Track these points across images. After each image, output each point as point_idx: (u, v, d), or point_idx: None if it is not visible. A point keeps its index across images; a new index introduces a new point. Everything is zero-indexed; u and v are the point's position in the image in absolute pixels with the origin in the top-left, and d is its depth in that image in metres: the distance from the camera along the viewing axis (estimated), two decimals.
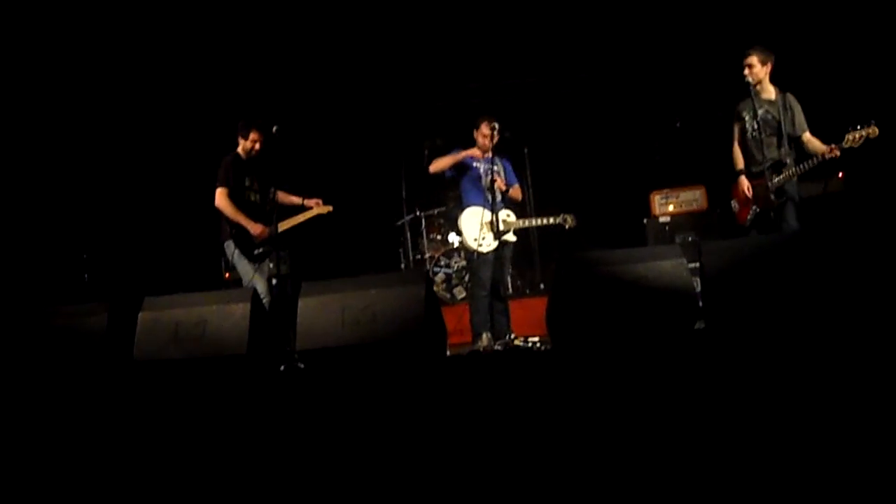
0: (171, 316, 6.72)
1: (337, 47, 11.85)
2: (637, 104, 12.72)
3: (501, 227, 8.78)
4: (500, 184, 8.87)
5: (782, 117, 8.20)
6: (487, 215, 8.81)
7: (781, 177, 8.08)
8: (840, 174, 10.14)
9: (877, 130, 7.57)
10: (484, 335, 8.50)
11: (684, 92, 12.10)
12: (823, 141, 8.04)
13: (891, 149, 8.65)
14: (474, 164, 9.00)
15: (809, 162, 7.98)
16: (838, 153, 7.75)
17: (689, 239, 10.54)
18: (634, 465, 4.56)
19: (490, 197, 8.81)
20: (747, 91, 8.32)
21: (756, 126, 8.25)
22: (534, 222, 9.37)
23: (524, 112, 11.76)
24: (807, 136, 8.17)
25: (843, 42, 10.86)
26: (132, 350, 6.64)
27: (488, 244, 8.77)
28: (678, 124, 12.02)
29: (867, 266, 6.36)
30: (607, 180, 12.41)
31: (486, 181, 8.88)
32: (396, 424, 5.17)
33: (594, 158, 12.69)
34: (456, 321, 9.26)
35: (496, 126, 8.82)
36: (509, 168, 9.33)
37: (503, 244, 8.87)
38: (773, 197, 8.13)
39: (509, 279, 10.45)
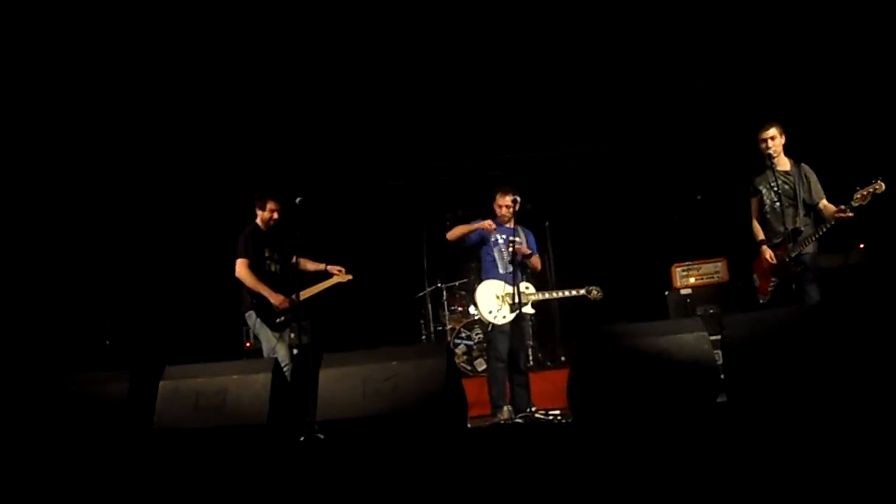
0: (192, 385, 6.75)
1: (362, 117, 11.93)
2: (658, 177, 12.76)
3: (520, 300, 8.68)
4: (522, 249, 8.84)
5: (799, 187, 8.25)
6: (505, 287, 8.79)
7: (798, 245, 8.10)
8: (861, 245, 10.12)
9: (883, 186, 7.60)
10: (504, 408, 8.42)
11: (705, 165, 12.13)
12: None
13: None
14: (493, 236, 8.99)
15: (823, 227, 8.00)
16: (850, 213, 7.74)
17: (711, 311, 10.49)
18: None
19: (510, 268, 8.78)
20: (761, 164, 8.43)
21: (775, 198, 8.31)
22: (556, 294, 9.31)
23: (546, 184, 11.81)
24: (823, 203, 8.16)
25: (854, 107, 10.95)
26: (153, 418, 6.64)
27: (504, 316, 8.72)
28: (699, 197, 12.03)
29: (889, 339, 6.34)
30: (629, 253, 12.40)
31: (505, 252, 8.88)
32: (417, 497, 5.14)
33: (615, 231, 12.71)
34: (476, 393, 9.20)
35: (517, 199, 8.82)
36: (531, 238, 9.31)
37: (521, 317, 8.77)
38: (792, 265, 8.13)
39: (530, 351, 10.43)
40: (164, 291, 11.83)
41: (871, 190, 7.62)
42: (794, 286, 8.15)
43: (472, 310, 11.42)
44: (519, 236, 8.98)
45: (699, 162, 12.29)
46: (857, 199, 7.68)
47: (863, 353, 6.18)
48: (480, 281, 9.03)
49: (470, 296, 11.50)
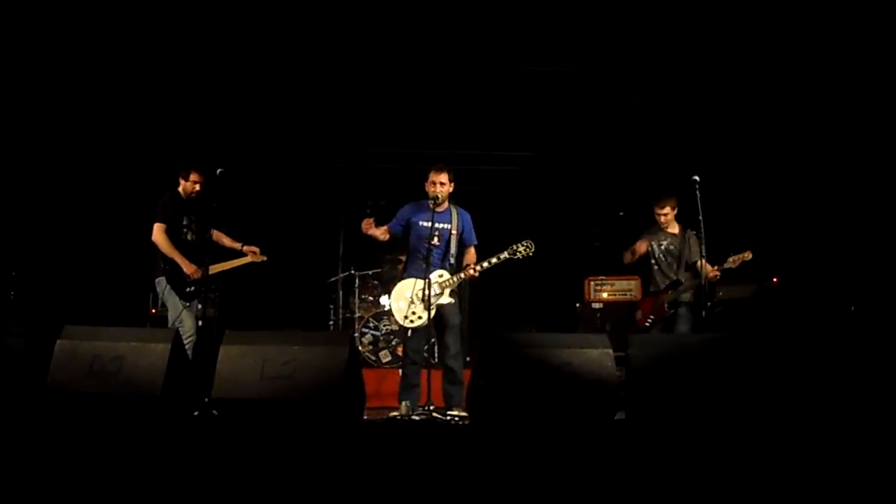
0: (89, 347, 6.64)
1: (287, 101, 11.68)
2: (583, 188, 12.80)
3: (436, 291, 8.14)
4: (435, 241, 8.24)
5: (683, 248, 9.50)
6: (416, 284, 8.22)
7: (677, 293, 9.31)
8: (775, 279, 10.39)
9: (750, 255, 8.92)
10: (403, 403, 8.15)
11: (631, 182, 12.20)
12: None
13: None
14: (420, 223, 8.41)
15: (699, 281, 9.02)
16: (718, 274, 9.03)
17: (619, 328, 10.59)
18: None
19: (435, 260, 8.29)
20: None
21: (663, 254, 9.59)
22: (474, 270, 8.33)
23: (470, 182, 11.67)
24: (700, 262, 8.91)
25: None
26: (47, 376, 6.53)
27: (419, 318, 8.16)
28: (621, 213, 12.12)
29: (790, 369, 6.47)
30: (545, 260, 12.35)
31: (426, 241, 8.28)
32: (300, 484, 5.10)
33: (534, 236, 12.68)
34: (377, 385, 9.18)
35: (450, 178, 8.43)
36: (468, 223, 8.71)
37: (439, 310, 8.26)
38: (666, 307, 9.32)
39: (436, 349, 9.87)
40: (76, 248, 11.58)
41: (740, 257, 8.95)
42: (661, 326, 9.40)
43: (383, 300, 11.39)
44: (452, 222, 8.49)
45: (626, 178, 12.35)
46: (729, 262, 9.00)
47: (763, 386, 6.28)
48: (398, 274, 8.65)
49: (382, 286, 11.47)
